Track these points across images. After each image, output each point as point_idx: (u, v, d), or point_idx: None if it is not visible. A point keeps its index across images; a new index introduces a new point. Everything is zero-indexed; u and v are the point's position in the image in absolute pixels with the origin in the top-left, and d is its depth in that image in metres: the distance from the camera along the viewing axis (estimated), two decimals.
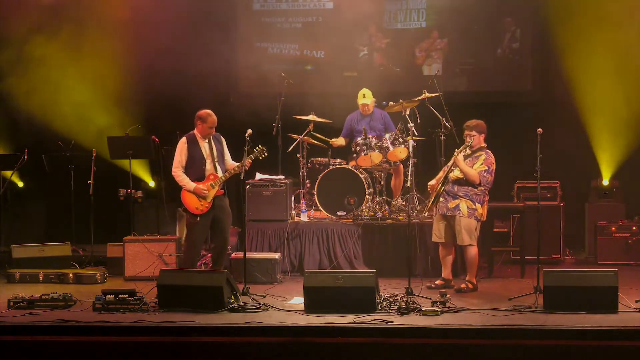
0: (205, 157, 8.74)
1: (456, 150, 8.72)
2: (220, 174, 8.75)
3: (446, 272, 8.85)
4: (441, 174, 8.84)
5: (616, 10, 10.77)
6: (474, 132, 8.70)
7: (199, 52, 11.43)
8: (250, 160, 8.66)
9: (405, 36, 11.97)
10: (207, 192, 8.64)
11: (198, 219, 8.68)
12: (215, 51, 11.38)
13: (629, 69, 10.76)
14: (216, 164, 8.77)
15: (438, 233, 8.78)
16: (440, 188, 8.67)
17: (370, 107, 10.42)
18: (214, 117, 8.74)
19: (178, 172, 8.73)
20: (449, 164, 8.78)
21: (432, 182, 8.86)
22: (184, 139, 8.78)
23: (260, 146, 8.73)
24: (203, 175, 8.71)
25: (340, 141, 10.58)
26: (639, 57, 10.77)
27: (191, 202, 8.68)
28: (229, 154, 8.97)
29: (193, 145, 8.74)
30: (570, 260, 10.59)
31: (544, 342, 6.94)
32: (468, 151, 8.73)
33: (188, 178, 8.69)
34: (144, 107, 11.45)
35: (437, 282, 8.80)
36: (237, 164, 8.73)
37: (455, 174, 8.68)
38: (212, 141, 8.80)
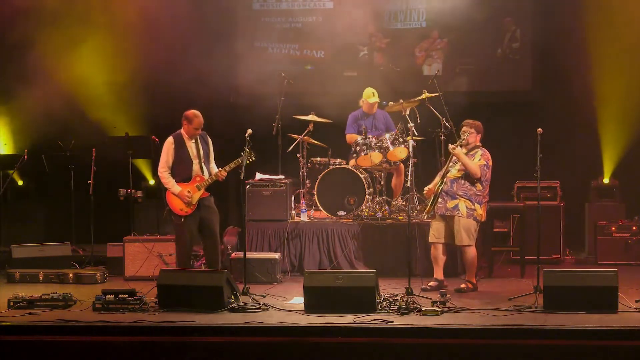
0: (192, 157, 8.72)
1: (450, 145, 8.71)
2: (206, 175, 8.72)
3: (438, 273, 8.79)
4: (438, 179, 8.83)
5: (618, 8, 10.81)
6: (472, 130, 8.71)
7: (199, 52, 11.43)
8: (232, 167, 8.60)
9: (405, 36, 11.97)
10: (190, 197, 8.61)
11: (182, 219, 8.66)
12: (215, 51, 11.39)
13: (631, 61, 10.80)
14: (203, 165, 8.73)
15: (437, 234, 8.75)
16: (438, 188, 8.65)
17: (375, 107, 10.43)
18: (201, 118, 8.68)
19: (165, 173, 8.69)
20: (445, 167, 8.77)
21: (430, 186, 8.84)
22: (170, 139, 8.73)
23: (248, 150, 8.61)
24: (190, 176, 8.68)
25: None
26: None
27: (176, 203, 8.66)
28: (213, 157, 8.94)
29: (180, 145, 8.70)
30: (570, 260, 10.58)
31: (544, 342, 6.94)
32: (464, 149, 8.72)
33: (174, 180, 8.66)
34: (144, 107, 11.45)
35: (431, 283, 8.72)
36: (220, 170, 8.69)
37: (453, 173, 8.67)
38: (198, 141, 8.76)
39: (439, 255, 8.79)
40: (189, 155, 8.71)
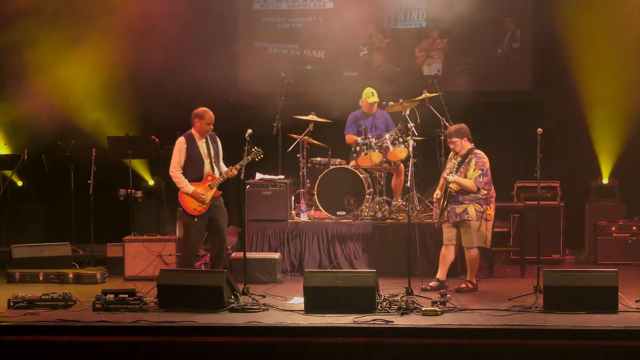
0: (203, 157, 8.73)
1: (444, 174, 8.73)
2: (217, 174, 8.74)
3: (442, 273, 8.79)
4: (442, 181, 8.83)
5: (618, 7, 10.82)
6: (455, 139, 8.70)
7: (199, 52, 11.43)
8: (242, 164, 8.62)
9: (405, 36, 11.97)
10: (204, 195, 8.64)
11: (196, 219, 8.67)
12: (215, 51, 11.38)
13: (629, 61, 10.82)
14: (214, 164, 8.75)
15: (449, 236, 8.74)
16: (444, 203, 8.67)
17: (375, 107, 10.43)
18: (211, 113, 8.72)
19: (177, 173, 8.70)
20: (446, 171, 8.77)
21: (437, 193, 8.86)
22: (182, 139, 8.74)
23: (256, 147, 8.71)
24: (201, 176, 8.70)
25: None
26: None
27: (189, 203, 8.67)
28: (222, 156, 8.96)
29: (192, 145, 8.72)
30: (570, 260, 10.59)
31: (544, 342, 6.95)
32: (459, 158, 8.72)
33: (186, 180, 8.68)
34: (144, 107, 11.45)
35: (432, 283, 8.72)
36: (230, 167, 8.72)
37: (455, 185, 8.67)
38: (209, 141, 8.78)
39: (448, 256, 8.79)
40: (200, 155, 8.71)
